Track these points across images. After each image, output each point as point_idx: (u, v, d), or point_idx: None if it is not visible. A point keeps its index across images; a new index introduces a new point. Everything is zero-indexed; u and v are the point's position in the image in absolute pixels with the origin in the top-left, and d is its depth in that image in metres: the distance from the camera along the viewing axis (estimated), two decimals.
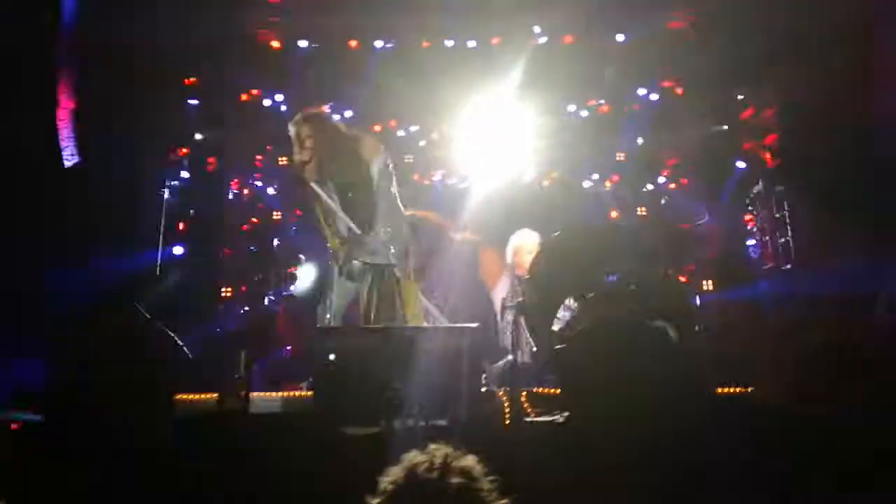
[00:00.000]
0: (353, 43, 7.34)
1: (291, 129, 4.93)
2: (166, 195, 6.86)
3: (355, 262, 4.79)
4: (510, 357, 4.32)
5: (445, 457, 1.81)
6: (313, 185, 4.86)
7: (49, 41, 6.18)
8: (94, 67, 6.26)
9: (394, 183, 4.97)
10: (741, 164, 7.25)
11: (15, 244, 5.29)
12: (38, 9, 5.96)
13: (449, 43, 7.26)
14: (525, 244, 5.39)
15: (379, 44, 7.31)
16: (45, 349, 3.89)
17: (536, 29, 7.10)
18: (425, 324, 4.74)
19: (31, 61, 5.99)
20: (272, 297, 7.21)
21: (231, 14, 6.92)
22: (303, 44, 7.34)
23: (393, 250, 4.74)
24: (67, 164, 6.15)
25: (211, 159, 7.30)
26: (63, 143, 6.26)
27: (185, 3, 6.54)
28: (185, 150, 7.13)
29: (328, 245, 4.97)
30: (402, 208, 4.99)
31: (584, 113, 7.51)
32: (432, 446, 1.86)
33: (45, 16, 6.05)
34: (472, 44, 7.25)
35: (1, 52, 5.55)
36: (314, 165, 4.87)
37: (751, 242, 7.19)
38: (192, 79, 7.04)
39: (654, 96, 7.46)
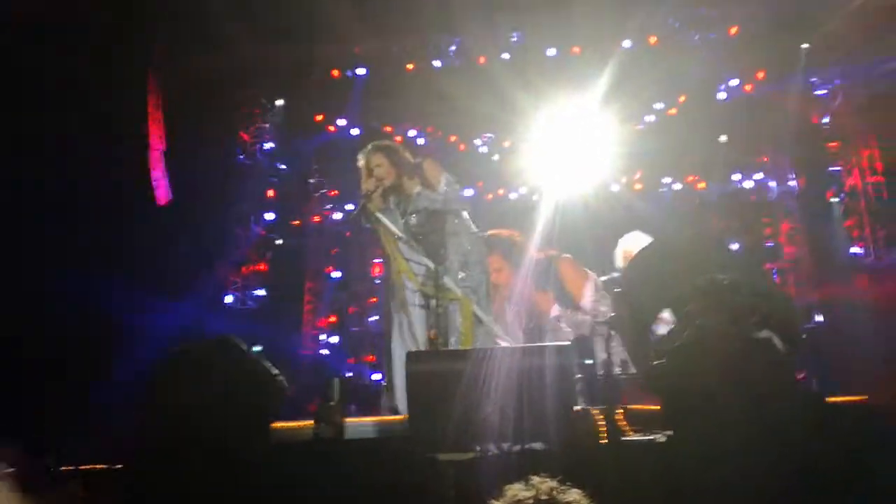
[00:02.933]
0: (438, 62, 7.39)
1: (361, 159, 4.98)
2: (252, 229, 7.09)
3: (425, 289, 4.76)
4: (603, 373, 4.19)
5: (551, 491, 1.74)
6: (378, 214, 4.88)
7: (141, 82, 6.48)
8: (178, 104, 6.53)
9: (462, 202, 4.93)
10: (835, 168, 6.89)
11: (107, 284, 5.52)
12: (128, 50, 6.25)
13: (528, 54, 7.24)
14: (636, 246, 5.17)
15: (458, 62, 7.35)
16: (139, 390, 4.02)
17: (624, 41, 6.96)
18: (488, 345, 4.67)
19: (124, 101, 6.29)
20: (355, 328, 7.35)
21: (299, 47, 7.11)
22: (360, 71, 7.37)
23: (462, 275, 4.70)
24: (161, 202, 6.40)
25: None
26: (155, 183, 6.51)
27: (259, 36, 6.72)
28: (271, 193, 7.39)
29: (398, 274, 4.92)
30: (474, 228, 4.94)
31: (673, 111, 7.31)
32: (535, 479, 1.79)
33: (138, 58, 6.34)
34: (551, 52, 7.20)
35: (96, 90, 5.85)
36: (379, 194, 4.90)
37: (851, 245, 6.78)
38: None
39: (746, 86, 7.18)
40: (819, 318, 6.11)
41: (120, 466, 3.75)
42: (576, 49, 7.17)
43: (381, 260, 7.48)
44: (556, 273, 5.35)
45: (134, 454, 3.79)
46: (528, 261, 5.20)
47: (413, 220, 4.84)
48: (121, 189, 6.12)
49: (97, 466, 3.75)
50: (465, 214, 4.92)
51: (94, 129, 5.76)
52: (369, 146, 5.08)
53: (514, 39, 7.18)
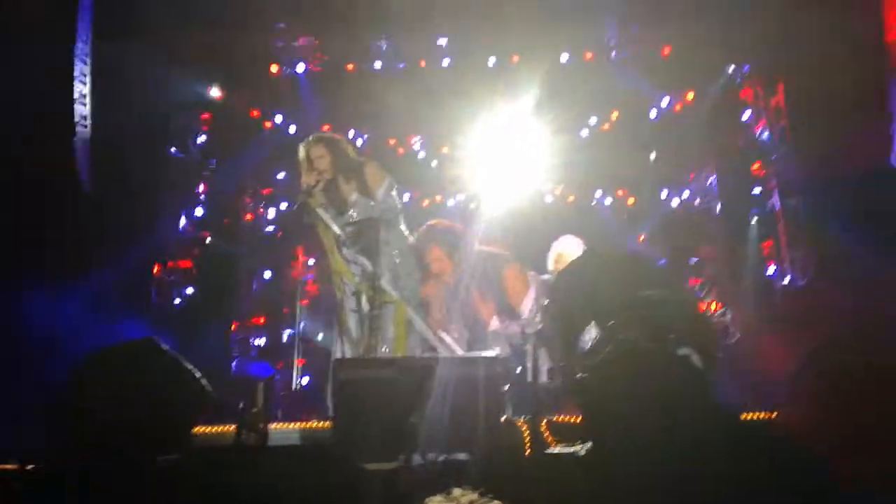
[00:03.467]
0: (378, 63, 7.37)
1: (301, 151, 4.90)
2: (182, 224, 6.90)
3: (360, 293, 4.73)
4: (529, 383, 4.25)
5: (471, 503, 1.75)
6: (319, 210, 4.82)
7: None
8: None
9: (398, 212, 4.91)
10: (756, 190, 7.16)
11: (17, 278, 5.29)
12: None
13: (467, 61, 7.29)
14: (568, 251, 5.22)
15: (399, 64, 7.34)
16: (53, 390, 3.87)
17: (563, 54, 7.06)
18: (417, 353, 4.68)
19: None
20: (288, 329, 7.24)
21: (238, 39, 6.98)
22: (300, 68, 7.30)
23: (394, 281, 4.70)
24: (86, 189, 6.16)
25: None
26: (79, 171, 6.27)
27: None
28: (203, 187, 7.21)
29: (335, 273, 4.89)
30: (408, 236, 4.93)
31: (606, 126, 7.49)
32: (456, 491, 1.80)
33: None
34: (492, 60, 7.27)
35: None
36: (321, 189, 4.84)
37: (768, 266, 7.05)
38: (205, 114, 7.09)
39: (676, 106, 7.42)
40: (735, 337, 6.35)
41: (31, 467, 3.60)
42: (514, 58, 7.26)
43: (312, 261, 7.44)
44: (499, 278, 5.25)
45: (49, 455, 3.66)
46: (472, 253, 5.13)
47: (348, 228, 4.80)
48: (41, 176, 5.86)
49: (7, 466, 3.59)
50: (402, 225, 4.90)
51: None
52: (311, 137, 5.02)
53: (443, 45, 7.21)
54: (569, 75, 7.07)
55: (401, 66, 7.36)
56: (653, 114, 7.49)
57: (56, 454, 3.72)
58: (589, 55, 7.29)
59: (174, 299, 6.96)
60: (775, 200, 7.07)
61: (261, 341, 7.30)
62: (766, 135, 7.02)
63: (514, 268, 5.30)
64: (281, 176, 7.61)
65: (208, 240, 7.29)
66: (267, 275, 7.71)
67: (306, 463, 3.56)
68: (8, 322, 5.34)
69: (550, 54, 7.18)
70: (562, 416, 3.96)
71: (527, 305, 5.10)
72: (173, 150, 7.34)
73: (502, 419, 3.76)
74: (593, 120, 7.52)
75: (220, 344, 6.81)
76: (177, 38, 6.53)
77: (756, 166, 7.17)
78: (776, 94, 6.96)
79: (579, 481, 3.11)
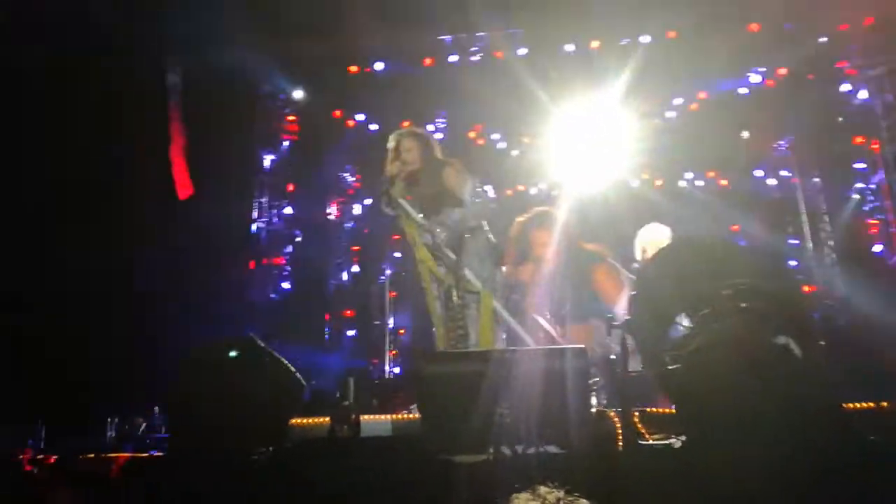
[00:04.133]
0: (454, 57, 7.39)
1: (391, 142, 4.94)
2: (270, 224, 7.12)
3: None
4: (618, 374, 4.16)
5: (557, 502, 1.72)
6: (401, 201, 4.85)
7: (161, 78, 6.52)
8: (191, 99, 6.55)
9: (486, 214, 4.88)
10: (861, 165, 6.75)
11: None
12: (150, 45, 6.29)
13: (547, 49, 7.21)
14: (656, 238, 5.03)
15: (475, 58, 7.33)
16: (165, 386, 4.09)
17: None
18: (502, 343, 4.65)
19: (147, 98, 6.33)
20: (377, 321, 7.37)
21: (315, 41, 7.13)
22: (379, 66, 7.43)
23: (478, 270, 4.69)
24: (182, 197, 6.44)
25: None
26: (177, 177, 6.56)
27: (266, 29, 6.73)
28: (291, 186, 7.42)
29: (422, 263, 4.90)
30: (492, 240, 4.89)
31: (694, 106, 7.25)
32: (542, 489, 1.76)
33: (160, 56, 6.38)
34: (570, 48, 7.16)
35: (116, 87, 5.90)
36: (403, 181, 4.87)
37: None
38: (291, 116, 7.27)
39: (768, 81, 7.11)
40: (841, 321, 6.01)
41: (145, 456, 3.83)
42: (594, 44, 7.11)
43: (399, 254, 7.54)
44: (590, 276, 5.05)
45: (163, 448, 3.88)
46: (573, 245, 5.04)
47: (430, 217, 4.81)
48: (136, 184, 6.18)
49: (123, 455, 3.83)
50: (485, 225, 4.88)
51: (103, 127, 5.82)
52: (404, 129, 5.07)
53: (515, 34, 7.12)
54: (653, 57, 6.85)
55: (476, 59, 7.33)
56: (742, 91, 7.18)
57: (166, 445, 3.96)
58: (672, 34, 7.05)
59: (269, 294, 7.19)
60: (880, 176, 6.66)
61: (352, 332, 7.46)
62: (870, 106, 6.59)
63: (605, 267, 5.12)
64: (363, 174, 7.74)
65: (298, 238, 7.50)
66: (355, 269, 7.87)
67: (397, 455, 3.63)
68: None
69: (631, 37, 6.99)
70: (654, 408, 3.86)
71: (622, 305, 4.93)
72: (264, 153, 7.59)
73: (593, 410, 3.70)
74: (680, 101, 7.28)
75: (314, 337, 7.00)
76: (261, 42, 6.72)
77: (860, 140, 6.75)
78: (878, 65, 6.54)
79: (674, 473, 3.04)
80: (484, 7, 6.70)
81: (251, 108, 7.49)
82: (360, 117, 7.72)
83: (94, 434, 4.23)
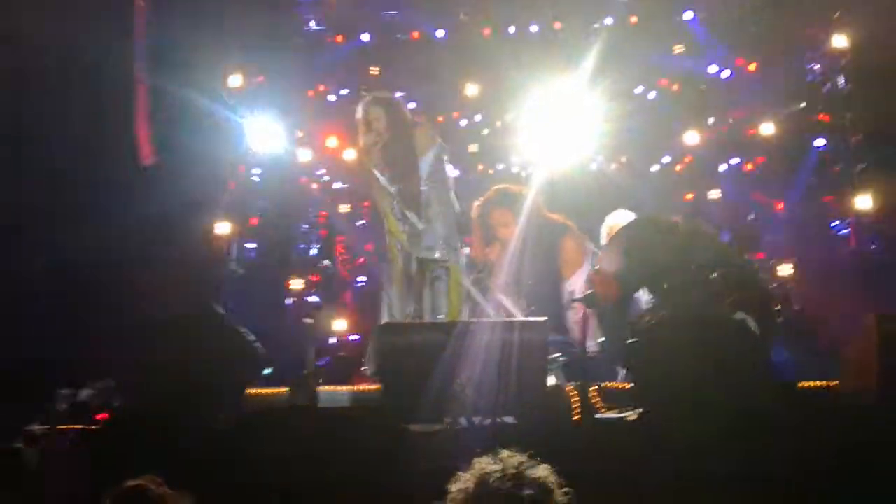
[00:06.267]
0: (415, 34, 7.35)
1: (360, 111, 4.87)
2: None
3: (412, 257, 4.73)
4: (578, 350, 4.18)
5: (518, 466, 1.71)
6: (374, 171, 4.81)
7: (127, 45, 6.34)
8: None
9: (448, 176, 4.87)
10: (820, 142, 6.82)
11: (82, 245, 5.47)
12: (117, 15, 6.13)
13: (511, 29, 7.18)
14: (622, 224, 5.09)
15: (440, 33, 7.29)
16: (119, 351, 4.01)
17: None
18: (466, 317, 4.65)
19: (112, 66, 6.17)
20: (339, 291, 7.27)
21: (289, 10, 6.99)
22: (365, 37, 7.38)
23: (443, 245, 4.67)
24: (145, 164, 6.30)
25: None
26: (140, 144, 6.41)
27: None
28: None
29: (391, 235, 4.88)
30: (456, 203, 4.88)
31: (652, 94, 7.30)
32: (504, 453, 1.75)
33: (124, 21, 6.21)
34: (534, 29, 7.14)
35: (83, 55, 5.74)
36: (378, 151, 4.83)
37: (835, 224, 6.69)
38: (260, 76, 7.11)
39: (726, 73, 7.18)
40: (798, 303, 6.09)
41: (95, 427, 3.75)
42: (557, 24, 7.13)
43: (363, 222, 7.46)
44: (555, 247, 5.04)
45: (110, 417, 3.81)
46: (535, 219, 5.01)
47: (400, 184, 4.78)
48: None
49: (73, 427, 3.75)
50: (451, 194, 4.86)
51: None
52: (369, 97, 4.99)
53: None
54: (617, 41, 6.87)
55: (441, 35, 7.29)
56: (712, 69, 7.23)
57: (125, 410, 3.88)
58: (634, 19, 7.09)
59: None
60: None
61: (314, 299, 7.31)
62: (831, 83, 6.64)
63: (572, 239, 5.13)
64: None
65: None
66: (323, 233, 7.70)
67: (354, 424, 3.61)
68: None
69: (592, 19, 7.03)
70: (611, 383, 3.90)
71: (578, 278, 4.95)
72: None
73: (548, 384, 3.72)
74: (641, 88, 7.33)
75: (275, 305, 6.87)
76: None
77: (820, 116, 6.80)
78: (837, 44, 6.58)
79: (628, 445, 3.08)
80: None
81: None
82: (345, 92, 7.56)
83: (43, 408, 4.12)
